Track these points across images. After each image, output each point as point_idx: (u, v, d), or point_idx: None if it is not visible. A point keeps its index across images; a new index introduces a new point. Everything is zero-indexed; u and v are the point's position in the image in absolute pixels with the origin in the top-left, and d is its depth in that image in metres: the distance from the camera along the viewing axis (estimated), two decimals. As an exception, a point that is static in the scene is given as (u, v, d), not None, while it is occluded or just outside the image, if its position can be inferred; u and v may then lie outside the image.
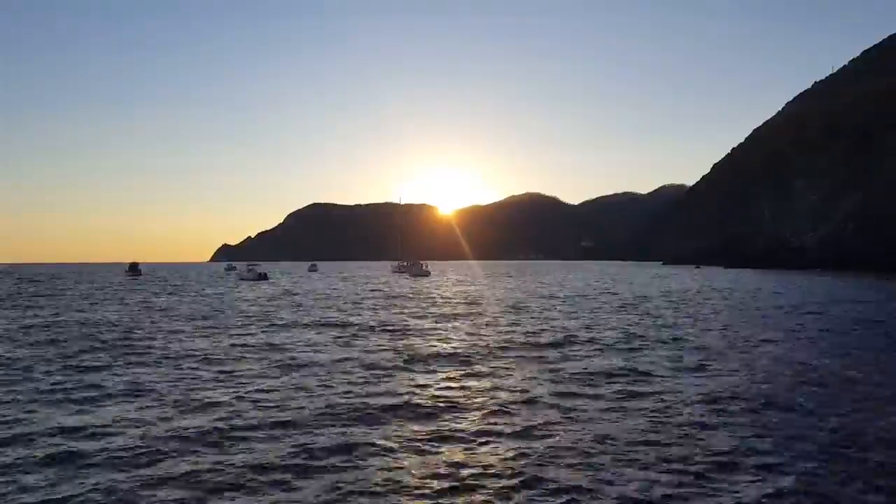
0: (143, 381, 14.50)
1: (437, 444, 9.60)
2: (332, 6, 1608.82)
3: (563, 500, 7.50)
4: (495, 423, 10.65)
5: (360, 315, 31.55)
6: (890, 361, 17.00)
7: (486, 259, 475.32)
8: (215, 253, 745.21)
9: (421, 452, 9.21)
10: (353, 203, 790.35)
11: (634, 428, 10.39)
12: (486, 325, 26.94)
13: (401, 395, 12.97)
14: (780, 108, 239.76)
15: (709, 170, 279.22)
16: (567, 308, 35.81)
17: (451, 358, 17.78)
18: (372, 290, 57.77)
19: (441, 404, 12.19)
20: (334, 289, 62.19)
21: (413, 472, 8.42)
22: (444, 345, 20.57)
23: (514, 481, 8.05)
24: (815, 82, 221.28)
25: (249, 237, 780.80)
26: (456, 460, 8.87)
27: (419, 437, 9.94)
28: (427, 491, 7.77)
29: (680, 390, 13.27)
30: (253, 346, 20.43)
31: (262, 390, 13.48)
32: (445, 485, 7.95)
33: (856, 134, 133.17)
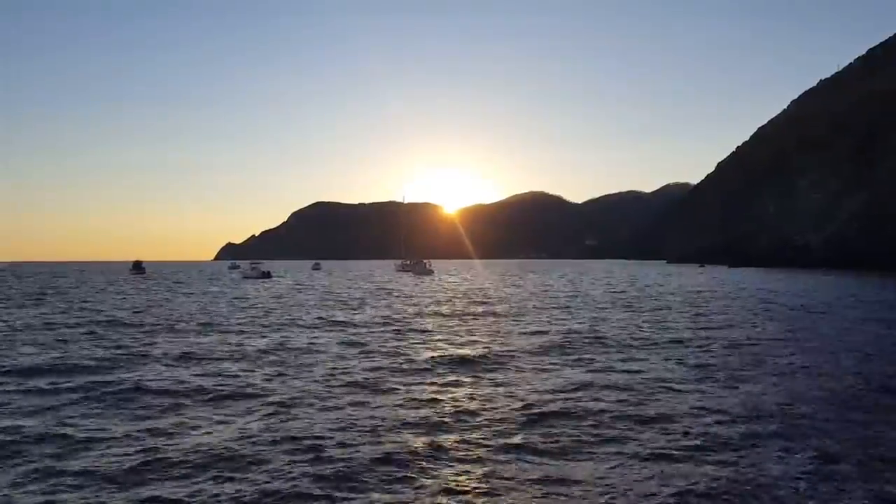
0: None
1: (439, 458, 9.55)
2: (334, 6, 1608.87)
3: None
4: (509, 437, 10.23)
5: (362, 313, 31.52)
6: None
7: (489, 258, 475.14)
8: (219, 251, 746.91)
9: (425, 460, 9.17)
10: (356, 202, 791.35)
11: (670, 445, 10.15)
12: (494, 324, 26.88)
13: (406, 399, 12.94)
14: (784, 107, 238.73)
15: (713, 168, 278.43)
16: (579, 309, 35.69)
17: (452, 361, 17.71)
18: (375, 289, 57.75)
19: (445, 410, 12.13)
20: (337, 287, 62.20)
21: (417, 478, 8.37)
22: (446, 345, 20.51)
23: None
24: (820, 80, 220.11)
25: (253, 236, 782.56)
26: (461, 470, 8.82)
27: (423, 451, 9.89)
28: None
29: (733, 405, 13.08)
30: (255, 346, 20.40)
31: (264, 395, 13.45)
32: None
33: (861, 133, 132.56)
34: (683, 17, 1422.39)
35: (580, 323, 26.85)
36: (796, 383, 14.00)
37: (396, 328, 25.19)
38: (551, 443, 9.54)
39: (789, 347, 19.40)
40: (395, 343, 20.70)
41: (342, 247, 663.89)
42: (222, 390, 13.25)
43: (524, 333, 23.04)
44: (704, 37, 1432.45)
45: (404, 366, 16.37)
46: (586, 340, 20.99)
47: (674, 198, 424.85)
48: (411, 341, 21.22)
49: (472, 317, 30.19)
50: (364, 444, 9.50)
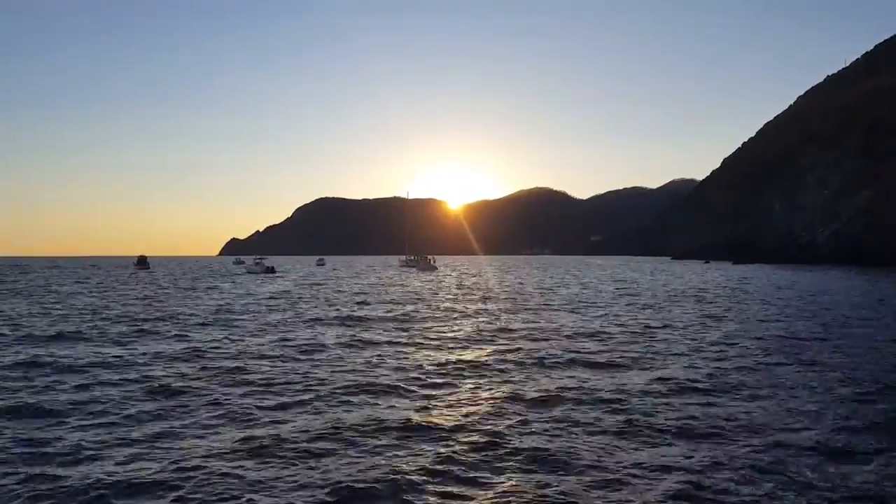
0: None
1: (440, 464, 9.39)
2: (335, 5, 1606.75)
3: None
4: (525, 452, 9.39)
5: (364, 309, 31.40)
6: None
7: (493, 254, 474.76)
8: (224, 247, 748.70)
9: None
10: (360, 198, 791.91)
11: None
12: (499, 321, 26.72)
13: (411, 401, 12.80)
14: (791, 103, 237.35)
15: (719, 164, 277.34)
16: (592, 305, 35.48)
17: (457, 362, 17.55)
18: (380, 286, 57.68)
19: (443, 414, 11.98)
20: (342, 284, 62.14)
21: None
22: (450, 342, 20.36)
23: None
24: (827, 76, 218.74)
25: (257, 231, 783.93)
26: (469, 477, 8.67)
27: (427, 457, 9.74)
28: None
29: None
30: (261, 344, 20.28)
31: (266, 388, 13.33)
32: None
33: (868, 129, 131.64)
34: (689, 13, 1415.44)
35: (595, 321, 26.64)
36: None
37: (405, 324, 25.10)
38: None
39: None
40: (399, 339, 20.57)
41: (346, 243, 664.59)
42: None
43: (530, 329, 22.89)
44: (710, 33, 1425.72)
45: (423, 367, 16.24)
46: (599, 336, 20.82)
47: (679, 194, 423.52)
48: (412, 338, 21.08)
49: (475, 315, 30.03)
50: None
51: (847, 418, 10.70)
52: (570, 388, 13.08)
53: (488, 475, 8.09)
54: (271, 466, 8.41)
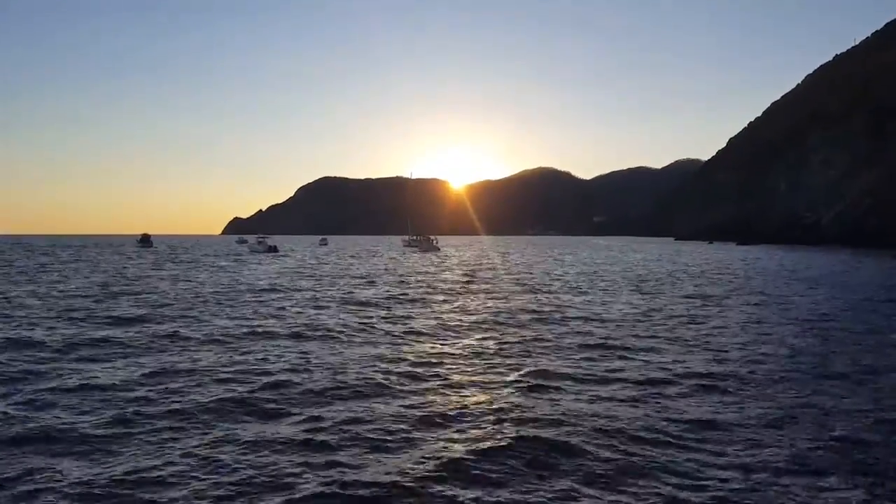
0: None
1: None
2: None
3: None
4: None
5: (368, 290, 31.34)
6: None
7: (497, 234, 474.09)
8: (226, 226, 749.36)
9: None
10: (363, 177, 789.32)
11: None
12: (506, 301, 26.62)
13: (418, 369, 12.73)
14: (799, 81, 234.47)
15: (724, 144, 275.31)
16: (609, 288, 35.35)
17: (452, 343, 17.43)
18: (383, 266, 57.62)
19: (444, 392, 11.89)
20: (345, 264, 62.10)
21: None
22: (447, 322, 20.28)
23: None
24: (836, 55, 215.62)
25: (260, 210, 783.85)
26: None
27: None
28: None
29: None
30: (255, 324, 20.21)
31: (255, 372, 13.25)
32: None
33: (876, 108, 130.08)
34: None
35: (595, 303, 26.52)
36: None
37: (403, 304, 25.04)
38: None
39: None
40: (401, 319, 20.50)
41: (349, 222, 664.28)
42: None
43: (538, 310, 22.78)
44: (717, 10, 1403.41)
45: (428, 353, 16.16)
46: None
47: (684, 174, 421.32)
48: (415, 319, 20.99)
49: (476, 294, 29.94)
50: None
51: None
52: (589, 373, 12.97)
53: (501, 469, 7.99)
54: (272, 458, 8.24)
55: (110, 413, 9.86)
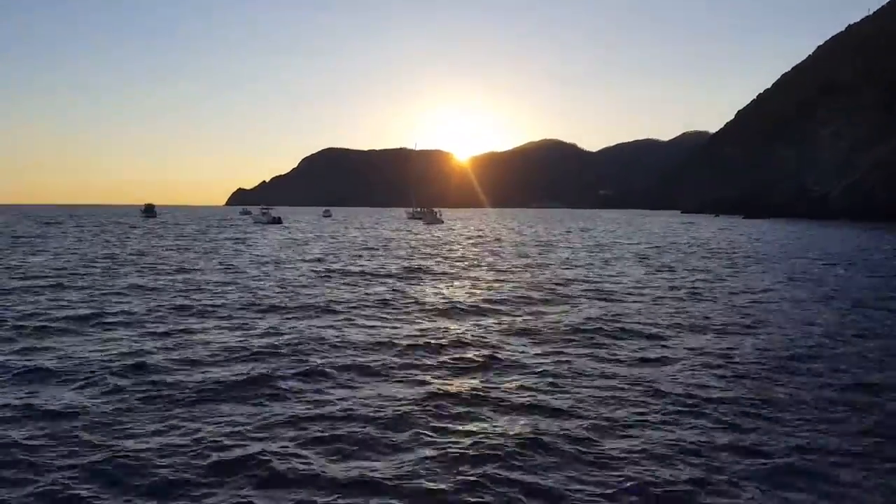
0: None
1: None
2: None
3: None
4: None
5: (371, 262, 31.06)
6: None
7: (501, 207, 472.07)
8: (230, 197, 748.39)
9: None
10: (367, 148, 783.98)
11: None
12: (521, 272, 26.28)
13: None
14: (810, 52, 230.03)
15: (733, 116, 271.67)
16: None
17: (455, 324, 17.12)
18: (387, 238, 57.32)
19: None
20: (349, 236, 61.82)
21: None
22: (449, 297, 19.97)
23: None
24: (849, 25, 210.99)
25: (264, 181, 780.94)
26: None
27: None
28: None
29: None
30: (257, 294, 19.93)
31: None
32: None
33: (889, 80, 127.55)
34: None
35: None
36: None
37: (418, 279, 24.74)
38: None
39: None
40: (405, 293, 20.21)
41: (353, 193, 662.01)
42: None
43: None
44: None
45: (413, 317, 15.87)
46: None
47: (691, 146, 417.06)
48: (419, 293, 20.70)
49: (481, 269, 29.61)
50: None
51: None
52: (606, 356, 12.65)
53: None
54: (272, 443, 7.89)
55: (104, 389, 9.60)
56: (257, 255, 35.01)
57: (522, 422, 8.27)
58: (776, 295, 20.17)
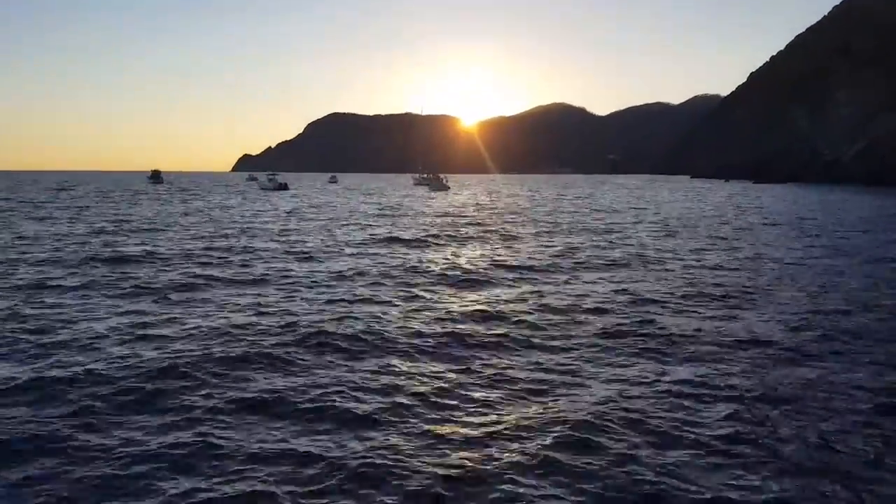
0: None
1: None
2: None
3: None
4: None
5: (379, 229, 31.06)
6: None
7: (508, 173, 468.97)
8: (236, 163, 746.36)
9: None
10: (373, 113, 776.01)
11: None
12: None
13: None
14: (825, 13, 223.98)
15: (745, 79, 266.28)
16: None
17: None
18: (394, 205, 57.22)
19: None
20: (355, 202, 61.71)
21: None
22: (452, 267, 20.00)
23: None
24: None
25: (270, 147, 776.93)
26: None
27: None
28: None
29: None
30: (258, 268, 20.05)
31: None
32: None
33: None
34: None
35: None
36: None
37: (426, 249, 24.78)
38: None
39: None
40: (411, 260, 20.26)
41: (359, 159, 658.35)
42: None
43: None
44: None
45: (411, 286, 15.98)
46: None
47: (702, 110, 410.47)
48: (423, 260, 20.74)
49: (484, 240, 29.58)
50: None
51: None
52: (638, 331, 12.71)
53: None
54: (272, 432, 7.84)
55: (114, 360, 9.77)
56: (264, 223, 35.05)
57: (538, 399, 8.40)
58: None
